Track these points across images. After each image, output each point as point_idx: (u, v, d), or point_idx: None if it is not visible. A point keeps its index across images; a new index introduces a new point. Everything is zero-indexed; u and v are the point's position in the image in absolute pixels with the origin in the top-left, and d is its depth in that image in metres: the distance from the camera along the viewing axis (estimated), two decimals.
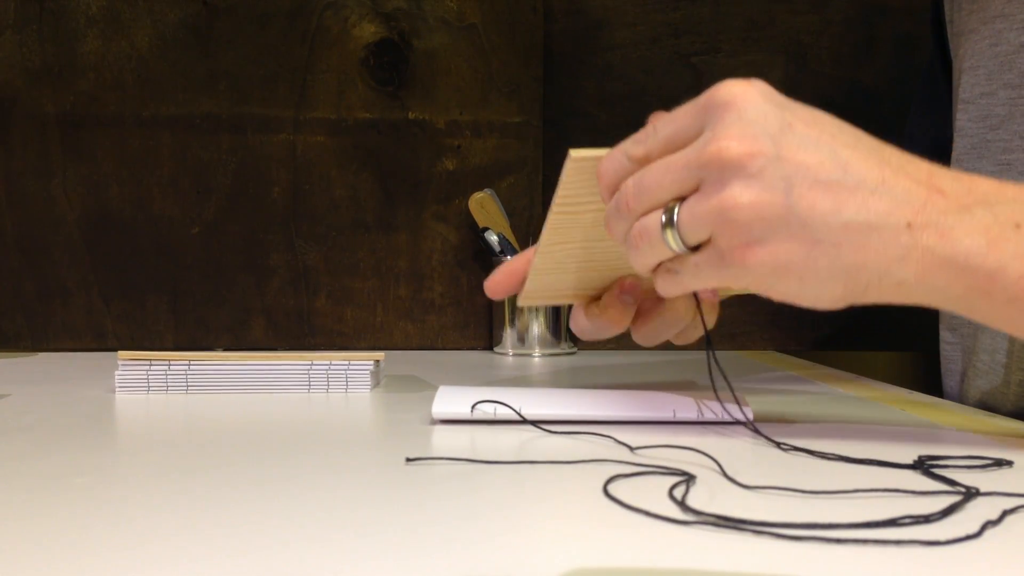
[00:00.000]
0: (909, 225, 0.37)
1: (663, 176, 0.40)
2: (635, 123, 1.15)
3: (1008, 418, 0.55)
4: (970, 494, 0.34)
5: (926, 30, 0.80)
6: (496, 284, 0.53)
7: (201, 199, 0.98)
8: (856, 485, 0.36)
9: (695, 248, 0.40)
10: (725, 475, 0.38)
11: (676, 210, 0.39)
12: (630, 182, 0.41)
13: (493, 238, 0.96)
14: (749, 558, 0.28)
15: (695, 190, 0.39)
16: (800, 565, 0.27)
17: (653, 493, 0.35)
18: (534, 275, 0.52)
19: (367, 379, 0.64)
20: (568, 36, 1.03)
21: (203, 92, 0.98)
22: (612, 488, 0.36)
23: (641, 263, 0.42)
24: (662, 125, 0.41)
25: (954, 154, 0.67)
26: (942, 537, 0.29)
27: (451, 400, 0.51)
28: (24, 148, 0.97)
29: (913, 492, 0.35)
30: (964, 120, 0.66)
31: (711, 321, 0.50)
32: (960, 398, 0.70)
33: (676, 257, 0.41)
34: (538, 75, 1.01)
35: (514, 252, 0.96)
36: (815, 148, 0.38)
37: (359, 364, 0.64)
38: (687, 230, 0.39)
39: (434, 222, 1.01)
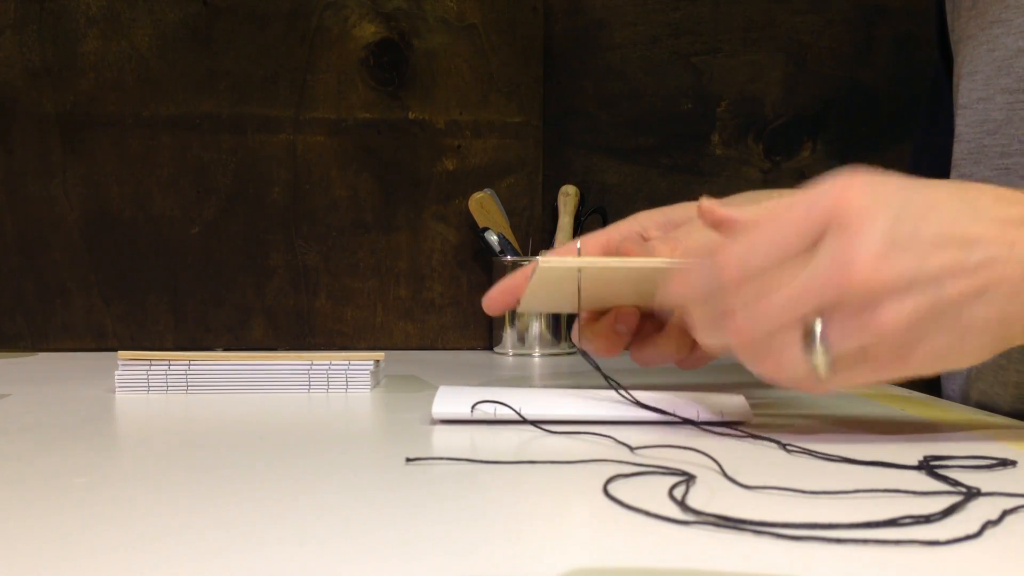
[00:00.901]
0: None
1: (787, 303, 0.38)
2: (635, 123, 1.15)
3: (1008, 418, 0.55)
4: (971, 494, 0.34)
5: (926, 30, 0.80)
6: (492, 301, 0.55)
7: (201, 199, 0.98)
8: (857, 485, 0.36)
9: None
10: (725, 475, 0.38)
11: (817, 332, 0.38)
12: (739, 310, 0.39)
13: (493, 238, 0.96)
14: (749, 558, 0.28)
15: (832, 309, 0.38)
16: (800, 565, 0.27)
17: (653, 493, 0.35)
18: (529, 296, 0.53)
19: (367, 379, 0.64)
20: (568, 36, 1.03)
21: (203, 92, 0.98)
22: (612, 488, 0.36)
23: (771, 379, 0.41)
24: (761, 244, 0.39)
25: (953, 159, 0.67)
26: (942, 537, 0.29)
27: (451, 400, 0.51)
28: (24, 148, 0.97)
29: (914, 492, 0.35)
30: (962, 125, 0.66)
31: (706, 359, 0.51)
32: (961, 399, 0.70)
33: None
34: (538, 75, 1.01)
35: (514, 252, 0.96)
36: (948, 243, 0.38)
37: (359, 364, 0.64)
38: (840, 354, 0.38)
39: (434, 222, 1.01)
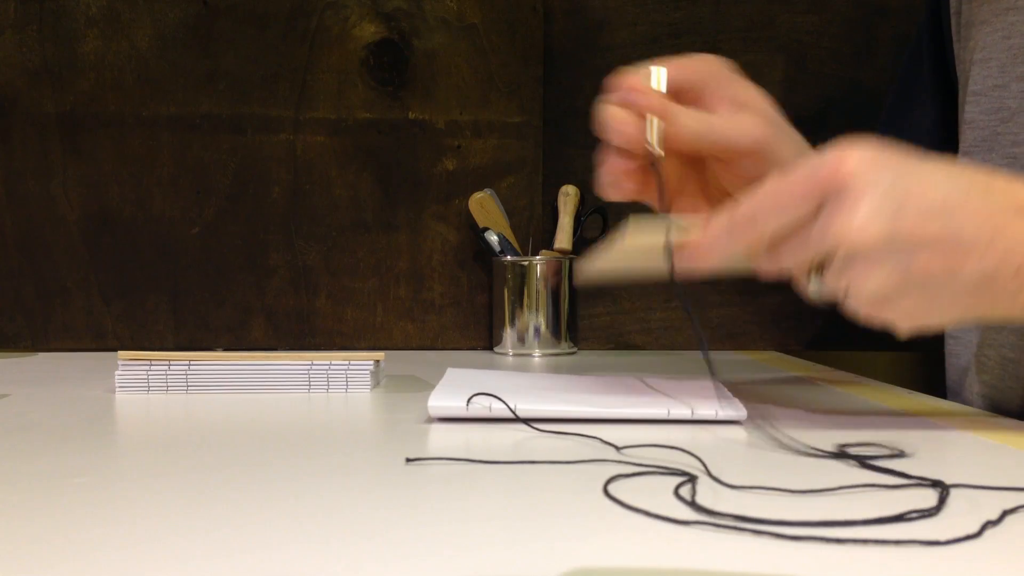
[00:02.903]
0: (1019, 269, 0.43)
1: (796, 251, 0.45)
2: None
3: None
4: (944, 486, 0.34)
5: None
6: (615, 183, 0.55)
7: (201, 199, 0.98)
8: (833, 483, 0.36)
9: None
10: (711, 475, 0.38)
11: (813, 275, 0.46)
12: (765, 253, 0.46)
13: (493, 238, 0.96)
14: (749, 557, 0.28)
15: (829, 255, 0.44)
16: (801, 564, 0.27)
17: (653, 493, 0.35)
18: (604, 264, 0.53)
19: (367, 379, 0.64)
20: (568, 36, 1.03)
21: (203, 92, 0.98)
22: (612, 488, 0.36)
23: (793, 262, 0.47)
24: (773, 212, 0.44)
25: (962, 146, 0.67)
26: (942, 537, 0.29)
27: (448, 395, 0.52)
28: (24, 148, 0.97)
29: (886, 487, 0.35)
30: (975, 112, 0.66)
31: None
32: (964, 394, 0.69)
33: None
34: (538, 75, 1.01)
35: (514, 252, 0.96)
36: (930, 218, 0.42)
37: (359, 364, 0.64)
38: (829, 290, 0.45)
39: (434, 222, 1.01)
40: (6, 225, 0.97)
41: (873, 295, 0.43)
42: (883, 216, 0.42)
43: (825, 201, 0.43)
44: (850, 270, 0.43)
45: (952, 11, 0.70)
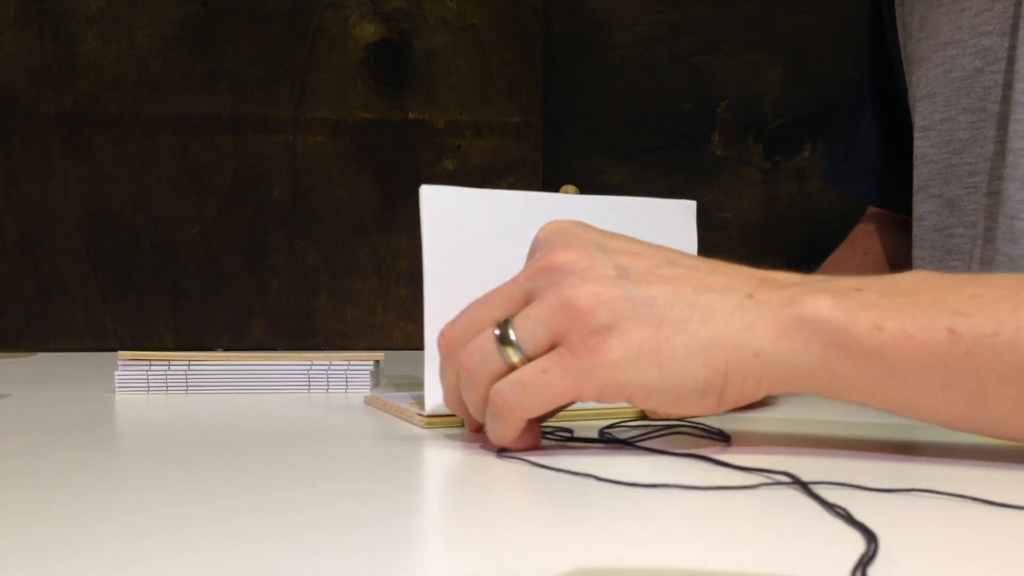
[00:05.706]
0: (751, 296, 0.39)
1: (486, 301, 0.40)
2: (635, 123, 1.14)
3: None
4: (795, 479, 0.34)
5: None
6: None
7: (201, 199, 0.98)
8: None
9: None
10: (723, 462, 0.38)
11: (508, 324, 0.39)
12: (447, 326, 0.42)
13: None
14: (750, 556, 0.28)
15: (524, 306, 0.39)
16: (802, 564, 0.27)
17: (655, 491, 0.35)
18: None
19: (367, 379, 0.64)
20: (568, 36, 1.03)
21: (203, 92, 0.98)
22: (613, 487, 0.36)
23: (477, 390, 0.40)
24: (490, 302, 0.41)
25: (918, 182, 0.68)
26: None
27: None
28: (24, 148, 0.97)
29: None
30: (926, 147, 0.67)
31: None
32: None
33: (517, 372, 0.38)
34: (538, 75, 1.01)
35: None
36: (638, 249, 0.40)
37: (359, 364, 0.64)
38: (527, 337, 0.38)
39: None
40: (6, 225, 0.97)
41: (590, 307, 0.37)
42: (588, 241, 0.39)
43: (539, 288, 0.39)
44: (558, 288, 0.38)
45: (901, 45, 0.71)
